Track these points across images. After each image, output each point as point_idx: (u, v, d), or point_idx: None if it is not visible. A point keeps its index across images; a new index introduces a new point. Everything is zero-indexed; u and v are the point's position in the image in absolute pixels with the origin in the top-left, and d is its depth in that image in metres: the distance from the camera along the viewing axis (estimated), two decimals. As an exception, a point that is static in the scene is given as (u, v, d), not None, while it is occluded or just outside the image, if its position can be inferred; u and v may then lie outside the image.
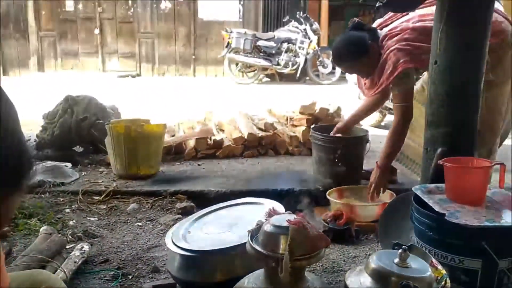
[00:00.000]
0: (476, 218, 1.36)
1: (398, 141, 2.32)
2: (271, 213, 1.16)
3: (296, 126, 3.57)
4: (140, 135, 2.78)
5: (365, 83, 2.44)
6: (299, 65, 8.79)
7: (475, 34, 1.73)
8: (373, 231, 2.25)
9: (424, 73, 2.45)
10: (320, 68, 8.92)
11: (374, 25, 2.44)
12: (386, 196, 2.46)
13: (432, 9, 2.11)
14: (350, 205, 2.37)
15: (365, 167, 2.90)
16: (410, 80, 2.20)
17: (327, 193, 2.51)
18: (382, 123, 4.75)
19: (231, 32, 8.63)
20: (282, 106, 4.31)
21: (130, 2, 9.74)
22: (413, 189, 1.60)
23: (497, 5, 3.40)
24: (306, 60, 8.80)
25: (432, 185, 1.64)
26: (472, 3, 1.71)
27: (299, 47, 8.70)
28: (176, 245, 1.44)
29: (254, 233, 1.13)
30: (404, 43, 2.13)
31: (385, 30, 2.27)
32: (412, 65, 2.12)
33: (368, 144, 2.84)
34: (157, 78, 9.70)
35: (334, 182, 2.69)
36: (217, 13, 9.74)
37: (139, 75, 9.81)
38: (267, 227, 1.08)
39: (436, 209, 1.38)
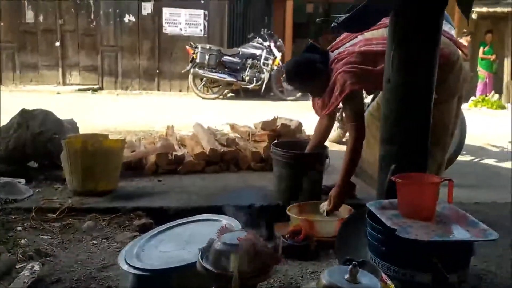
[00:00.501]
0: (426, 232, 1.39)
1: (355, 158, 2.40)
2: (224, 230, 1.15)
3: (258, 141, 3.59)
4: (98, 150, 2.72)
5: (318, 103, 2.53)
6: (263, 81, 8.89)
7: (425, 55, 1.80)
8: (332, 247, 2.26)
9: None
10: (284, 84, 9.04)
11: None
12: (345, 211, 2.50)
13: (378, 33, 2.21)
14: (310, 221, 2.38)
15: (325, 182, 2.94)
16: (358, 100, 2.32)
17: (287, 209, 2.52)
18: (344, 139, 4.84)
19: (196, 47, 8.64)
20: (245, 121, 4.33)
21: (92, 14, 9.61)
22: (367, 205, 1.63)
23: (448, 27, 3.58)
24: (270, 76, 8.91)
25: (386, 201, 1.68)
26: (422, 26, 1.78)
27: (264, 63, 8.80)
28: (129, 264, 1.40)
29: (204, 252, 1.12)
30: (350, 66, 2.23)
31: (336, 52, 2.36)
32: (358, 86, 2.23)
33: (328, 160, 2.88)
34: (120, 92, 9.55)
35: (294, 197, 2.70)
36: (182, 28, 9.74)
37: (101, 88, 9.64)
38: (218, 245, 1.07)
39: (388, 225, 1.41)
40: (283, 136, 3.50)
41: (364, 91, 2.61)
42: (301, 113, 5.98)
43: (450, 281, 1.36)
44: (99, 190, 2.74)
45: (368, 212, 1.59)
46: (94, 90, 9.34)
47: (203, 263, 1.04)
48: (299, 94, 9.11)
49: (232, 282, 0.98)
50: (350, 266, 1.05)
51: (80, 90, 9.12)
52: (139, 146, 3.61)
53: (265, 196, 2.88)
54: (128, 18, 9.63)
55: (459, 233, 1.40)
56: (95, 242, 2.27)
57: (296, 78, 2.50)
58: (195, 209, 2.54)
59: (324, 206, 2.50)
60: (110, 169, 2.78)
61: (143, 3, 9.54)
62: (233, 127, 4.07)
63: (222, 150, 3.42)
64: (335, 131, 4.72)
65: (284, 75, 8.99)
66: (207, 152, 3.38)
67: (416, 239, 1.32)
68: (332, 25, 1.83)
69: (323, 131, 2.83)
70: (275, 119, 3.55)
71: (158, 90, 9.88)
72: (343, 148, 4.04)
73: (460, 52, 2.38)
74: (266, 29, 9.01)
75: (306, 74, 2.41)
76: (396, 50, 1.81)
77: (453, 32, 3.73)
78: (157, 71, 9.82)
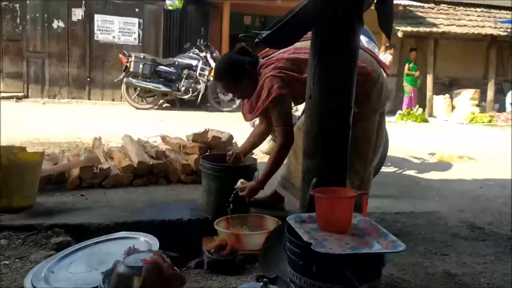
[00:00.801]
0: (340, 246, 1.43)
1: (278, 161, 2.46)
2: (131, 251, 1.11)
3: (189, 154, 3.54)
4: (13, 163, 2.55)
5: (246, 108, 2.53)
6: (199, 92, 8.85)
7: (344, 71, 1.86)
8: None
9: None
10: (220, 95, 9.05)
11: None
12: (273, 224, 2.52)
13: (307, 44, 2.26)
14: (237, 234, 2.38)
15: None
16: (286, 105, 2.35)
17: (215, 222, 2.50)
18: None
19: (129, 56, 8.44)
20: (180, 132, 4.26)
21: (18, 19, 9.11)
22: (287, 219, 1.65)
23: (372, 46, 3.74)
24: (206, 87, 8.89)
25: (306, 215, 1.71)
26: (340, 43, 1.84)
27: (200, 74, 8.77)
28: (34, 287, 1.32)
29: (107, 275, 1.07)
30: (278, 70, 2.28)
31: (266, 59, 2.40)
32: (285, 91, 2.26)
33: (256, 173, 2.90)
34: (47, 100, 9.09)
35: (223, 211, 2.68)
36: (115, 36, 9.47)
37: (26, 97, 9.12)
38: (120, 268, 1.03)
39: (305, 239, 1.44)
40: (214, 148, 3.48)
41: (293, 104, 2.65)
42: (237, 124, 6.02)
43: (363, 292, 1.41)
44: (14, 207, 2.57)
45: (287, 226, 1.61)
46: (19, 98, 8.82)
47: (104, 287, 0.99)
48: (235, 105, 9.16)
49: (134, 306, 0.94)
50: (261, 284, 1.06)
51: (3, 98, 8.58)
52: (62, 159, 3.44)
53: (194, 210, 2.83)
54: (57, 23, 9.23)
55: (371, 245, 1.46)
56: (7, 262, 2.11)
57: (223, 76, 2.50)
58: (119, 225, 2.45)
59: (239, 184, 2.52)
60: (26, 184, 2.61)
61: (73, 9, 9.18)
62: (164, 138, 4.00)
63: (151, 163, 3.33)
64: (267, 143, 4.77)
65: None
66: (135, 165, 3.28)
67: (329, 252, 1.35)
68: (256, 40, 1.84)
69: (257, 136, 2.82)
70: (206, 131, 3.53)
71: (89, 99, 9.52)
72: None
73: (382, 70, 2.48)
74: (202, 40, 8.99)
75: (234, 72, 2.44)
76: (316, 66, 1.86)
77: (376, 50, 3.93)
78: (88, 79, 9.47)
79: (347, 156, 1.96)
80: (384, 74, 2.55)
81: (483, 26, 11.92)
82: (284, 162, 2.74)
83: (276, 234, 2.06)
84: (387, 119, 8.89)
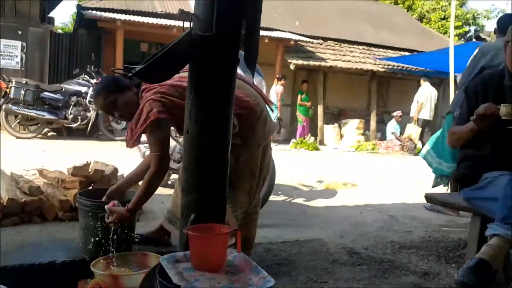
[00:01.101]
0: (211, 285, 1.41)
1: (151, 189, 2.35)
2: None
3: (68, 189, 3.31)
4: None
5: (128, 133, 2.42)
6: (89, 120, 8.41)
7: (220, 106, 1.88)
8: (138, 301, 2.15)
9: None
10: (113, 123, 8.70)
11: None
12: (156, 262, 2.42)
13: None
14: (114, 275, 2.24)
15: (140, 230, 2.83)
16: (164, 130, 2.28)
17: (92, 263, 2.33)
18: (169, 182, 4.80)
19: (9, 81, 7.79)
20: (66, 164, 3.96)
21: None
22: (160, 259, 1.59)
23: (259, 79, 3.86)
24: (97, 114, 8.48)
25: (181, 253, 1.66)
26: (217, 77, 1.86)
27: (90, 101, 8.35)
28: None
29: None
30: (159, 95, 2.23)
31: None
32: (165, 116, 2.21)
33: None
34: None
35: (103, 250, 2.52)
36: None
37: None
38: None
39: (174, 281, 1.39)
40: (96, 182, 3.29)
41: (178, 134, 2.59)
42: (131, 154, 5.79)
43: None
44: None
45: (159, 268, 1.54)
46: None
47: None
48: (129, 134, 8.85)
49: None
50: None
51: None
52: None
53: (70, 251, 2.63)
54: None
55: (242, 283, 1.45)
56: None
57: (100, 91, 2.41)
58: (-23, 272, 2.18)
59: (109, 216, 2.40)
60: None
61: None
62: (41, 172, 3.69)
63: (23, 200, 3.04)
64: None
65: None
66: (5, 203, 2.98)
67: (199, 294, 1.32)
68: (129, 74, 1.79)
69: (144, 166, 2.64)
70: (87, 164, 3.34)
71: (-39, 127, 8.54)
72: (164, 191, 4.02)
73: (266, 105, 2.55)
74: (93, 66, 8.61)
75: (113, 86, 2.37)
76: (193, 101, 1.86)
77: (263, 83, 4.07)
78: (-40, 105, 8.52)
79: (226, 191, 1.96)
80: (268, 108, 2.63)
81: (365, 62, 13.07)
82: (172, 195, 2.68)
83: (153, 274, 1.98)
84: (282, 147, 9.28)
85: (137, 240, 2.72)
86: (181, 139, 3.48)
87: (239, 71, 3.12)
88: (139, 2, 11.52)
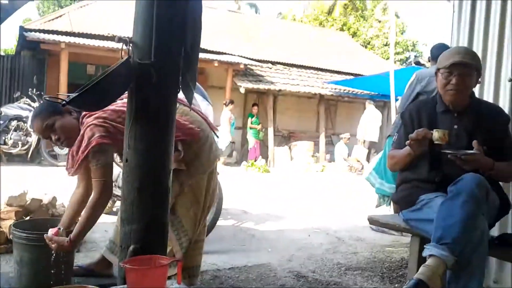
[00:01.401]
0: (148, 321, 1.36)
1: (94, 218, 2.26)
2: None
3: (3, 219, 3.12)
4: None
5: (69, 161, 2.33)
6: (31, 145, 8.06)
7: (160, 134, 1.86)
8: None
9: None
10: (56, 148, 8.36)
11: None
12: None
13: None
14: (50, 312, 2.12)
15: (80, 262, 2.71)
16: (107, 156, 2.21)
17: (26, 300, 2.20)
18: (114, 209, 4.65)
19: None
20: (4, 192, 3.73)
21: None
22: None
23: (206, 104, 3.85)
24: (39, 139, 8.14)
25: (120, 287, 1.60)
26: (156, 106, 1.84)
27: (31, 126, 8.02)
28: None
29: None
30: (101, 120, 2.18)
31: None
32: (107, 141, 2.16)
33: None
34: None
35: (40, 284, 2.39)
36: None
37: None
38: None
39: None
40: (34, 212, 3.13)
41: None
42: (74, 180, 5.56)
43: None
44: None
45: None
46: None
47: None
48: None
49: None
50: None
51: None
52: None
53: (5, 285, 2.47)
54: None
55: (181, 316, 1.42)
56: None
57: (38, 114, 2.33)
58: None
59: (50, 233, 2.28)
60: None
61: None
62: (-26, 202, 3.47)
63: (-48, 233, 2.85)
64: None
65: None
66: None
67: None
68: (63, 102, 1.74)
69: (77, 204, 2.53)
70: (24, 193, 3.18)
71: None
72: (108, 219, 3.87)
73: (212, 131, 2.55)
74: (35, 89, 8.29)
75: (51, 109, 2.29)
76: (132, 130, 1.82)
77: (210, 108, 4.07)
78: None
79: (167, 220, 1.92)
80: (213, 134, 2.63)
81: (313, 86, 13.42)
82: (115, 224, 2.59)
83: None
84: (234, 170, 9.26)
85: (76, 272, 2.60)
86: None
87: (196, 98, 3.12)
88: (85, 24, 11.31)
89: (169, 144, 1.90)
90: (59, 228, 2.34)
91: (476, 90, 2.84)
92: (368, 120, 11.44)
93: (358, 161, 11.84)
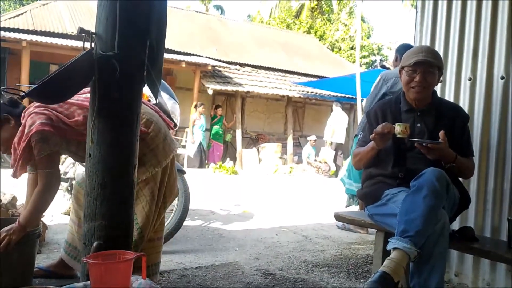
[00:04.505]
0: (111, 316, 1.32)
1: (42, 206, 2.20)
2: None
3: (-42, 221, 2.98)
4: None
5: (12, 162, 2.22)
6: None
7: (124, 128, 1.82)
8: None
9: None
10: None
11: None
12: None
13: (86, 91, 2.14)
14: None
15: (42, 262, 2.63)
16: (50, 144, 2.12)
17: (-17, 302, 2.11)
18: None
19: None
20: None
21: None
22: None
23: (172, 102, 3.81)
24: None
25: (81, 284, 1.56)
26: (120, 98, 1.80)
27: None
28: None
29: None
30: (42, 108, 2.12)
31: None
32: (49, 128, 2.08)
33: (42, 235, 2.59)
34: None
35: (2, 286, 2.29)
36: None
37: None
38: None
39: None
40: (-9, 213, 3.01)
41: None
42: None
43: None
44: None
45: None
46: None
47: None
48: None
49: None
50: None
51: None
52: None
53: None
54: None
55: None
56: None
57: None
58: None
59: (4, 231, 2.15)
60: None
61: None
62: None
63: None
64: (68, 201, 4.38)
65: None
66: None
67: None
68: (22, 94, 1.68)
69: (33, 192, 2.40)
70: (-19, 194, 3.05)
71: None
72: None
73: (166, 126, 2.49)
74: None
75: None
76: (95, 123, 1.78)
77: (177, 106, 4.02)
78: None
79: (132, 216, 1.88)
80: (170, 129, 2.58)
81: (281, 88, 13.51)
82: (68, 223, 2.53)
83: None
84: (202, 172, 9.16)
85: (36, 273, 2.51)
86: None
87: (162, 96, 3.05)
88: (47, 22, 11.00)
89: (133, 139, 1.86)
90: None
91: (437, 89, 2.93)
92: (335, 122, 11.60)
93: (325, 162, 11.99)
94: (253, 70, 14.39)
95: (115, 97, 1.79)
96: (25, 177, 2.42)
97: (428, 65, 2.34)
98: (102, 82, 1.78)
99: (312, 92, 13.95)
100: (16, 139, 2.12)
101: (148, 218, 2.28)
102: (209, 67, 12.09)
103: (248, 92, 12.82)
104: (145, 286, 1.57)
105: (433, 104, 2.44)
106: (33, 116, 2.08)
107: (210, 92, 12.04)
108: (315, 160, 12.40)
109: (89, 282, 1.54)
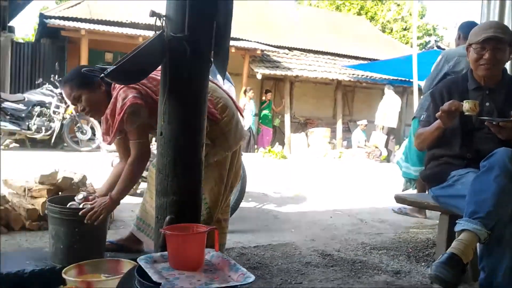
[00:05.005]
0: (191, 283, 1.40)
1: (134, 176, 2.33)
2: None
3: (35, 197, 3.21)
4: None
5: (104, 129, 2.36)
6: (54, 131, 8.20)
7: (194, 109, 1.88)
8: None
9: None
10: (78, 134, 8.51)
11: None
12: (127, 268, 2.38)
13: None
14: (87, 282, 2.18)
15: (111, 237, 2.78)
16: (141, 117, 2.23)
17: (63, 271, 2.27)
18: (138, 191, 4.72)
19: (-32, 91, 7.52)
20: (27, 176, 3.83)
21: None
22: (138, 260, 1.57)
23: (228, 86, 3.87)
24: (62, 125, 8.28)
25: (158, 254, 1.65)
26: (190, 79, 1.86)
27: (54, 112, 8.15)
28: None
29: None
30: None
31: None
32: (140, 101, 2.19)
33: (111, 214, 2.74)
34: None
35: (74, 257, 2.45)
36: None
37: None
38: None
39: (154, 279, 1.38)
40: (65, 190, 3.21)
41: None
42: (96, 165, 5.67)
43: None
44: None
45: (138, 267, 1.52)
46: None
47: None
48: (95, 144, 8.68)
49: None
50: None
51: None
52: None
53: (39, 260, 2.54)
54: None
55: (222, 280, 1.45)
56: None
57: (70, 83, 2.35)
58: None
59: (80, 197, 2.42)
60: None
61: None
62: (6, 182, 3.57)
63: (-13, 210, 2.94)
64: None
65: (78, 124, 8.48)
66: (-33, 213, 2.86)
67: (178, 291, 1.31)
68: (101, 75, 1.77)
69: (117, 176, 2.52)
70: (55, 172, 3.25)
71: None
72: (133, 200, 3.95)
73: (238, 111, 2.55)
74: (57, 76, 8.41)
75: (83, 74, 2.30)
76: (166, 104, 1.85)
77: (232, 89, 4.09)
78: None
79: (200, 192, 1.96)
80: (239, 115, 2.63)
81: (330, 72, 13.33)
82: (141, 202, 2.64)
83: (129, 277, 1.94)
84: (251, 156, 9.24)
85: (108, 247, 2.67)
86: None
87: (219, 79, 3.12)
88: (104, 11, 11.38)
89: (202, 117, 1.92)
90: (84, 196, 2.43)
91: (508, 66, 2.80)
92: (387, 106, 11.33)
93: (377, 147, 11.77)
94: (302, 53, 14.25)
95: (185, 77, 1.86)
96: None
97: (498, 42, 2.25)
98: (173, 63, 1.84)
99: (362, 75, 13.65)
100: (108, 111, 2.24)
101: (217, 198, 2.36)
102: (258, 52, 12.11)
103: (297, 76, 12.75)
104: (217, 258, 1.63)
105: (503, 82, 2.35)
106: (125, 90, 2.19)
107: (259, 76, 12.07)
108: (365, 145, 12.20)
109: (165, 252, 1.62)
